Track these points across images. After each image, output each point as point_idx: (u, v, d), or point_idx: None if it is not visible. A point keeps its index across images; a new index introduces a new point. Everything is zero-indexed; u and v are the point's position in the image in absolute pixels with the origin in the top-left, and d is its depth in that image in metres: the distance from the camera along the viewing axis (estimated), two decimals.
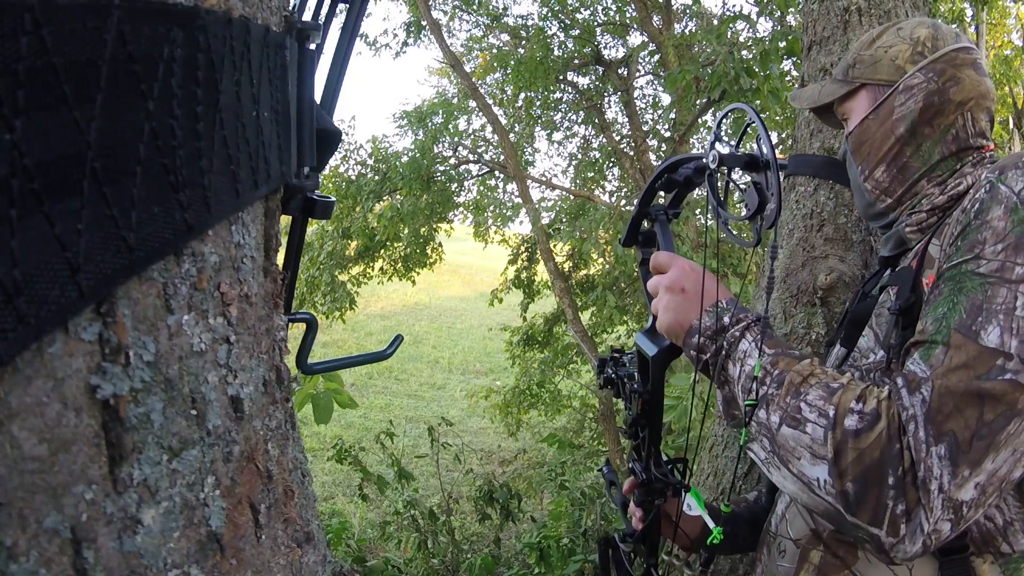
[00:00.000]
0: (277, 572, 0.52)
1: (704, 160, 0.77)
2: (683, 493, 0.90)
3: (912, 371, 0.70)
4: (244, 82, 0.46)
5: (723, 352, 0.80)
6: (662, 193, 0.96)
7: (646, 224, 0.97)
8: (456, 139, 8.25)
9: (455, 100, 8.57)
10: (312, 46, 0.60)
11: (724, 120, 0.83)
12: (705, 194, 0.80)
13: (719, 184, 0.79)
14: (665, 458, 0.96)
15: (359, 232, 7.37)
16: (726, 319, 0.81)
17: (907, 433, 0.66)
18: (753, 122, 0.73)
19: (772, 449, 0.75)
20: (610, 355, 1.01)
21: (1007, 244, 0.70)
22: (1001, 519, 0.78)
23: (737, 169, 0.76)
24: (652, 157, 7.23)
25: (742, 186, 0.76)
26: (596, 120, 8.03)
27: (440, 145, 8.06)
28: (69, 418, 0.35)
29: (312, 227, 6.09)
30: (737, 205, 0.78)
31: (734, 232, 0.82)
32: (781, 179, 0.69)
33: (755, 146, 0.75)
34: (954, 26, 0.96)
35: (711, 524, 0.86)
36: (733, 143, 0.82)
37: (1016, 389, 0.65)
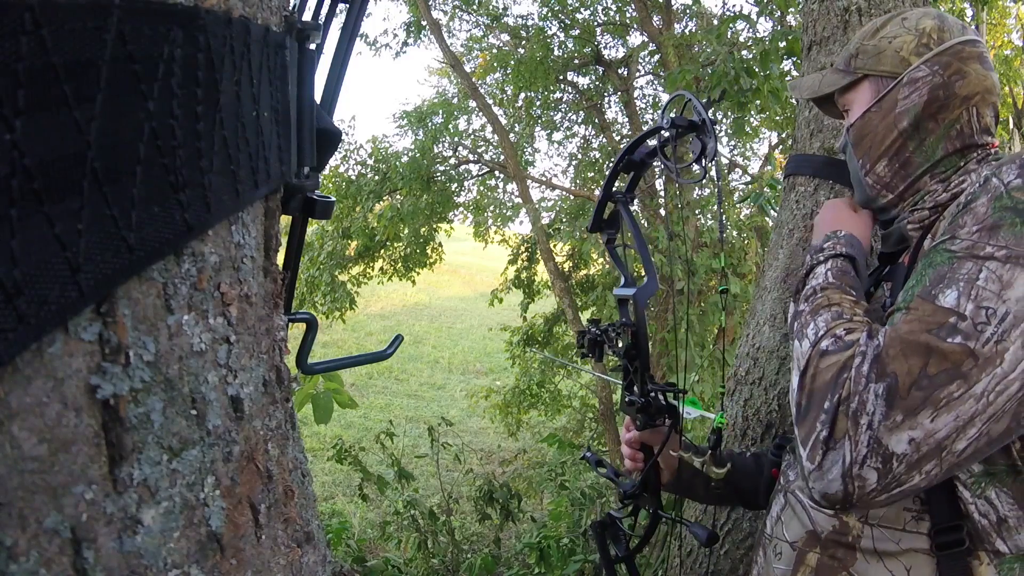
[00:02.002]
0: (277, 572, 0.52)
1: (662, 125, 0.98)
2: (680, 397, 1.05)
3: (877, 327, 0.75)
4: (244, 82, 0.46)
5: (807, 270, 0.91)
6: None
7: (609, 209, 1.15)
8: (456, 139, 8.25)
9: (455, 100, 8.57)
10: (312, 46, 0.60)
11: (689, 103, 1.01)
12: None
13: (668, 147, 1.00)
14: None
15: (359, 232, 7.37)
16: (827, 244, 0.93)
17: (853, 366, 0.70)
18: (690, 99, 0.95)
19: (791, 329, 0.84)
20: (587, 326, 1.16)
21: (983, 226, 0.72)
22: (995, 515, 0.77)
23: (680, 131, 0.96)
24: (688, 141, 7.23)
25: (687, 145, 0.98)
26: (596, 120, 8.03)
27: (440, 145, 8.06)
28: (69, 418, 0.35)
29: (312, 227, 6.09)
30: (686, 156, 0.98)
31: (683, 178, 0.99)
32: (715, 129, 0.93)
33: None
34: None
35: (712, 415, 0.98)
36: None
37: (964, 352, 0.66)
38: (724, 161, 7.71)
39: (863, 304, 0.82)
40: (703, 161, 0.91)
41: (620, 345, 1.09)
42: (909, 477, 0.67)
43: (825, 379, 0.72)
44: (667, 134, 0.98)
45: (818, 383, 0.73)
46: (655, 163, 1.06)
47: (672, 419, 1.03)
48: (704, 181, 0.93)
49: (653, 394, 1.03)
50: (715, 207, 6.16)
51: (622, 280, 1.09)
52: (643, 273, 1.04)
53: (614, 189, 1.12)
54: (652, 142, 1.06)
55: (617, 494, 1.17)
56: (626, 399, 1.08)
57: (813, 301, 0.84)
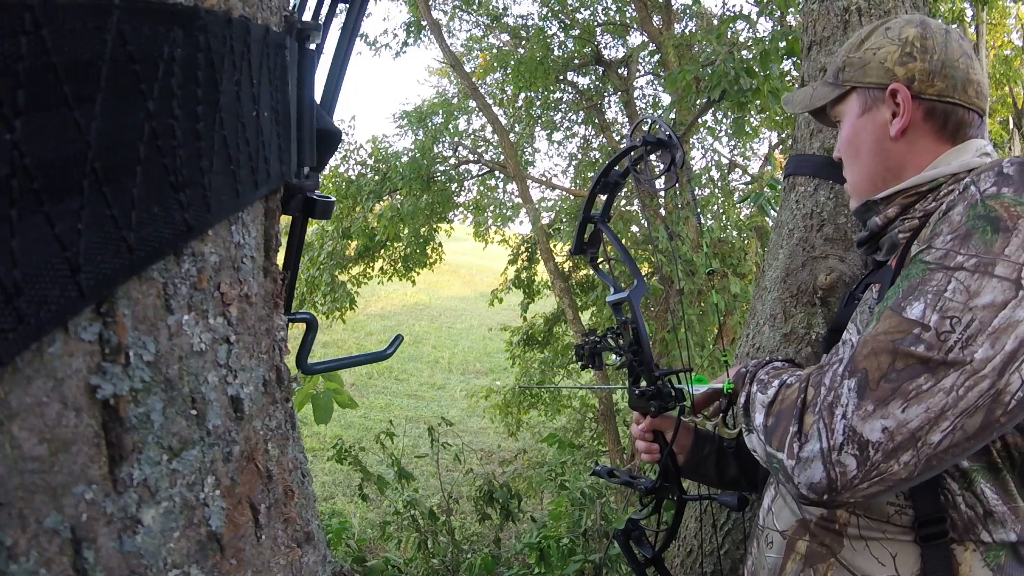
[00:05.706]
0: (277, 572, 0.52)
1: (636, 144, 1.09)
2: (688, 375, 1.13)
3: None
4: (244, 82, 0.46)
5: (749, 381, 0.95)
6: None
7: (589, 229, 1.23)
8: (456, 139, 8.25)
9: (455, 100, 8.57)
10: (312, 46, 0.60)
11: (654, 124, 1.13)
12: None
13: (641, 163, 1.12)
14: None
15: (359, 232, 7.37)
16: (751, 364, 0.99)
17: (829, 371, 0.75)
18: (654, 121, 1.08)
19: (747, 416, 0.89)
20: (581, 340, 1.22)
21: (956, 234, 0.74)
22: (982, 508, 0.79)
23: (651, 148, 1.08)
24: (652, 157, 7.23)
25: (654, 159, 1.11)
26: (596, 120, 8.03)
27: (440, 145, 8.06)
28: (69, 418, 0.35)
29: (312, 227, 6.09)
30: (656, 169, 1.11)
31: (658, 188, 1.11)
32: (680, 144, 1.05)
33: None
34: (955, 25, 0.97)
35: (720, 385, 1.04)
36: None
37: (926, 357, 0.69)
38: (724, 161, 7.71)
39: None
40: (673, 169, 1.04)
41: (621, 344, 1.15)
42: (888, 466, 0.70)
43: (791, 398, 0.78)
44: (638, 151, 1.10)
45: (784, 404, 0.79)
46: (642, 177, 1.16)
47: (681, 402, 1.09)
48: (678, 186, 1.04)
49: (661, 380, 1.09)
50: (715, 207, 6.16)
51: (612, 290, 1.20)
52: (633, 278, 1.15)
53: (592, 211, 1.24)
54: (625, 162, 1.16)
55: (635, 495, 1.23)
56: (635, 392, 1.12)
57: (770, 371, 0.91)
